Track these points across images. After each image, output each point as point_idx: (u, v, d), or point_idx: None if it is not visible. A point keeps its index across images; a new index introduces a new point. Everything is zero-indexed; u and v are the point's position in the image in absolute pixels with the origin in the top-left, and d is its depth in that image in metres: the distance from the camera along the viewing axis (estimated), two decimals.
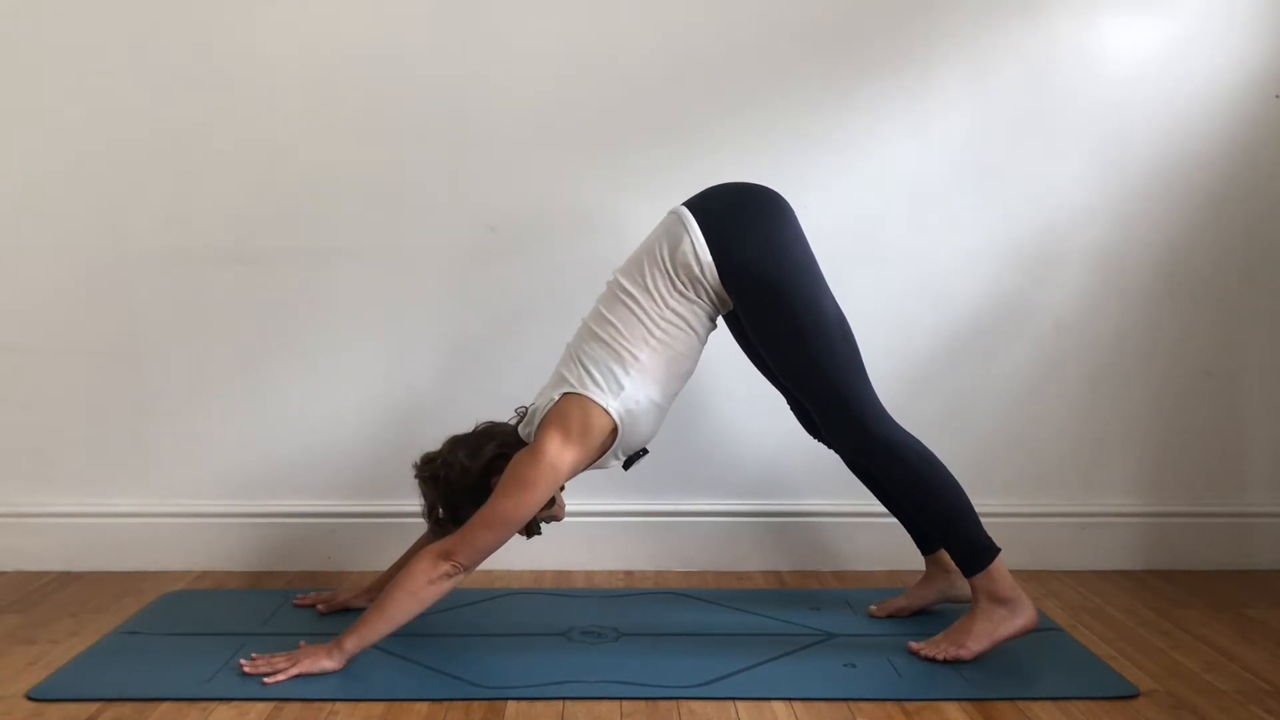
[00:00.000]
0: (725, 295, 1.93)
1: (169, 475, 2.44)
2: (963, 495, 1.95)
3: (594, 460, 1.93)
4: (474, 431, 2.01)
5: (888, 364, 2.46)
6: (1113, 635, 2.07)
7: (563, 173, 2.40)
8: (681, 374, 1.96)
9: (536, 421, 1.91)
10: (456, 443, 1.99)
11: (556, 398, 1.90)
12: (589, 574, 2.43)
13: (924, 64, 2.40)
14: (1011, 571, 2.42)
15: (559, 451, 1.85)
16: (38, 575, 2.39)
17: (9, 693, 1.78)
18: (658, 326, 1.90)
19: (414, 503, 2.32)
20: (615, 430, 1.89)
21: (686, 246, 1.90)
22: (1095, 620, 2.15)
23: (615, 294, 1.94)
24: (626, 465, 2.00)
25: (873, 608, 2.17)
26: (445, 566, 1.82)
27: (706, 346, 2.07)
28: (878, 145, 2.41)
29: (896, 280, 2.44)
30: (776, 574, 2.47)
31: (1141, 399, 2.49)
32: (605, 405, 1.87)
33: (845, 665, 1.91)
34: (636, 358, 1.89)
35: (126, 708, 1.72)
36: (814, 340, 1.90)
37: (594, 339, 1.92)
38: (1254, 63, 2.41)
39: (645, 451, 2.01)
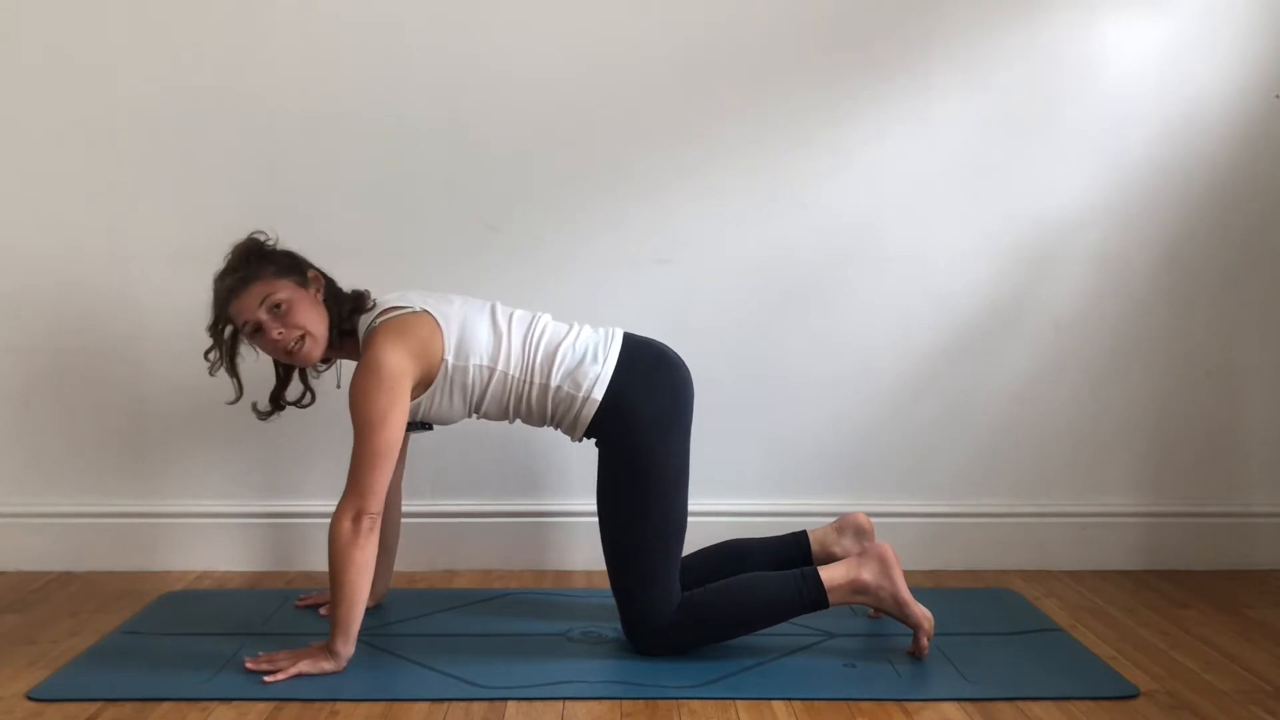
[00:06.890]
0: (579, 430, 1.94)
1: (169, 475, 2.44)
2: (756, 583, 1.93)
3: (428, 380, 1.91)
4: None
5: (887, 364, 2.46)
6: (1113, 635, 2.07)
7: (562, 173, 2.40)
8: (452, 412, 1.97)
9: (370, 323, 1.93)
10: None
11: (413, 308, 1.93)
12: (589, 574, 2.43)
13: (925, 64, 2.40)
14: (1012, 571, 2.46)
15: (398, 360, 1.85)
16: (38, 575, 2.39)
17: (9, 693, 1.78)
18: (514, 385, 1.92)
19: (415, 504, 2.34)
20: (443, 365, 1.90)
21: (591, 370, 1.91)
22: (1095, 620, 2.15)
23: (536, 330, 1.95)
24: (411, 428, 2.00)
25: (872, 610, 2.16)
26: (364, 522, 1.81)
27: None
28: (878, 145, 2.41)
29: (896, 280, 2.44)
30: None
31: (1141, 399, 2.49)
32: (446, 343, 1.90)
33: (845, 665, 1.91)
34: (495, 370, 1.91)
35: (126, 708, 1.72)
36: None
37: (520, 328, 1.95)
38: (1254, 63, 2.41)
39: (430, 427, 2.03)
